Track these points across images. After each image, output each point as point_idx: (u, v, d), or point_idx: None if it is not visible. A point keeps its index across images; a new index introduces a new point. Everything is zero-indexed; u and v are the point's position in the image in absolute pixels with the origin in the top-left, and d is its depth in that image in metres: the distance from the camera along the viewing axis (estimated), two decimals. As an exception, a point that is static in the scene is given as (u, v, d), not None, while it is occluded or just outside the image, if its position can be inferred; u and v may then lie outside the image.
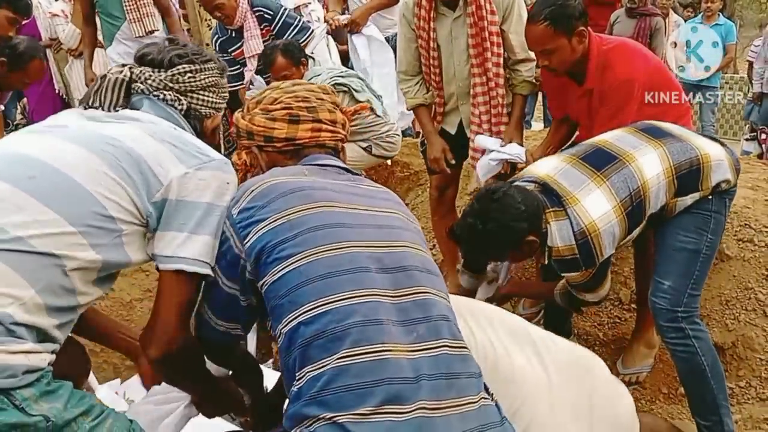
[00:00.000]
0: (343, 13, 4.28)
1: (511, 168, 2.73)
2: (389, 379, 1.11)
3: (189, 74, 1.47)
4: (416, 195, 3.99)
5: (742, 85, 7.05)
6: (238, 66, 3.98)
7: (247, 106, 1.53)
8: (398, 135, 3.68)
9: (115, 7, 4.04)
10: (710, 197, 2.06)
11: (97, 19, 4.27)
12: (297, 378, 1.15)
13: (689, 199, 2.05)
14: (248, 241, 1.24)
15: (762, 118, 5.79)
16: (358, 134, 3.49)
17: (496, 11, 2.60)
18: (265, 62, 3.53)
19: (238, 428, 1.73)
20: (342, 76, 3.44)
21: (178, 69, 1.46)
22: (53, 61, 5.31)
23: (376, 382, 1.10)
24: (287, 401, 1.20)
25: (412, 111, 3.12)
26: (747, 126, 6.74)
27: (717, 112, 7.39)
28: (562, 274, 2.06)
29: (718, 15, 6.36)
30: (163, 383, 1.56)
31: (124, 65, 1.48)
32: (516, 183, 2.06)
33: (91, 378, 2.02)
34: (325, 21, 4.22)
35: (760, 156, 5.42)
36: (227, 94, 1.61)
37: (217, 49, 4.00)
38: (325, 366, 1.12)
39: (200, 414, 1.57)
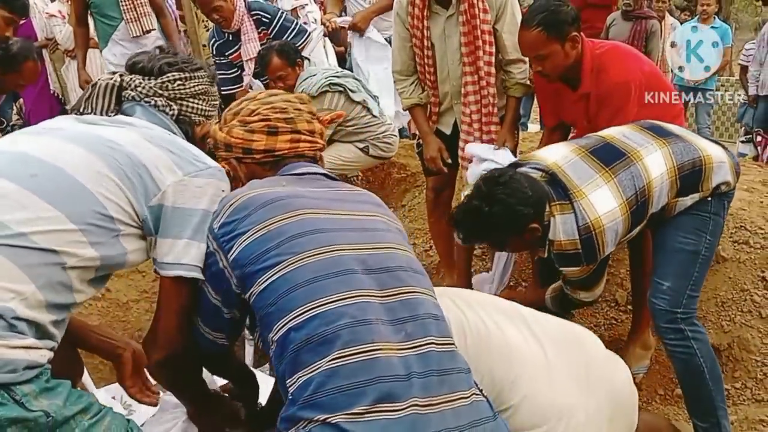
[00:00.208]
0: (340, 15, 4.29)
1: None
2: (381, 378, 1.12)
3: (178, 82, 1.49)
4: (413, 196, 3.99)
5: (738, 87, 7.08)
6: (236, 69, 3.98)
7: (224, 118, 1.53)
8: (395, 136, 3.68)
9: (111, 7, 4.05)
10: (710, 199, 2.06)
11: (91, 20, 4.27)
12: (290, 384, 1.15)
13: (689, 200, 2.05)
14: (232, 254, 1.26)
15: (757, 121, 5.80)
16: (355, 135, 3.50)
17: (488, 10, 2.60)
18: (261, 63, 3.53)
19: None
20: (338, 76, 3.45)
21: (167, 77, 1.49)
22: (49, 61, 5.31)
23: (368, 382, 1.11)
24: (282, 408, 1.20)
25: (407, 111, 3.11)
26: (742, 128, 6.76)
27: (713, 114, 7.42)
28: (561, 269, 2.05)
29: (714, 18, 6.38)
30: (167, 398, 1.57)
31: (114, 73, 1.51)
32: (522, 169, 2.04)
33: (87, 379, 2.01)
34: (322, 23, 4.23)
35: (755, 158, 5.43)
36: (218, 102, 1.62)
37: (214, 51, 4.01)
38: (317, 369, 1.12)
39: (198, 429, 1.58)
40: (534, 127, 6.50)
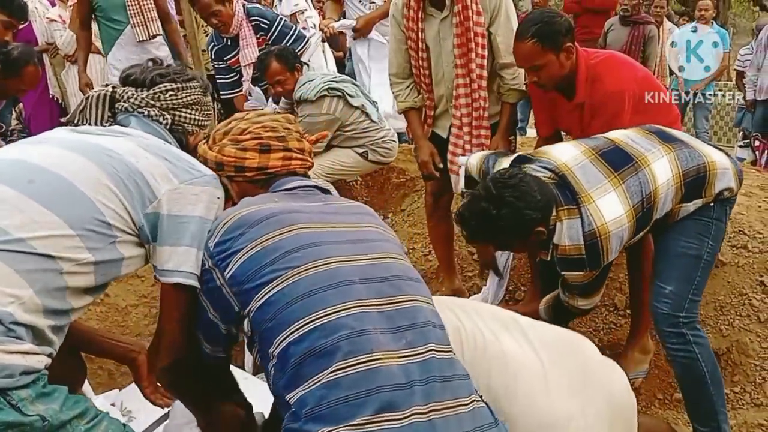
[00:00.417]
0: (338, 20, 4.30)
1: None
2: (381, 387, 1.12)
3: (170, 92, 1.52)
4: (412, 201, 4.00)
5: (735, 92, 7.11)
6: (234, 74, 3.99)
7: (213, 137, 1.54)
8: (394, 141, 3.68)
9: (116, 11, 4.05)
10: (712, 204, 2.06)
11: (94, 25, 4.26)
12: (291, 397, 1.15)
13: (692, 206, 2.05)
14: (229, 271, 1.27)
15: (755, 125, 5.82)
16: (354, 140, 3.50)
17: (482, 12, 2.59)
18: (260, 68, 3.54)
19: None
20: (336, 81, 3.44)
21: (159, 87, 1.52)
22: (49, 66, 5.32)
23: (369, 392, 1.11)
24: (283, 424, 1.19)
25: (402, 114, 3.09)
26: (740, 133, 6.78)
27: (711, 119, 7.44)
28: (564, 273, 2.04)
29: (712, 23, 6.40)
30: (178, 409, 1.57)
31: (106, 85, 1.54)
32: (531, 167, 2.02)
33: (86, 387, 2.01)
34: (320, 29, 4.24)
35: (753, 163, 5.44)
36: (211, 112, 1.65)
37: (213, 56, 4.02)
38: (318, 382, 1.13)
39: None
40: (532, 132, 6.50)
